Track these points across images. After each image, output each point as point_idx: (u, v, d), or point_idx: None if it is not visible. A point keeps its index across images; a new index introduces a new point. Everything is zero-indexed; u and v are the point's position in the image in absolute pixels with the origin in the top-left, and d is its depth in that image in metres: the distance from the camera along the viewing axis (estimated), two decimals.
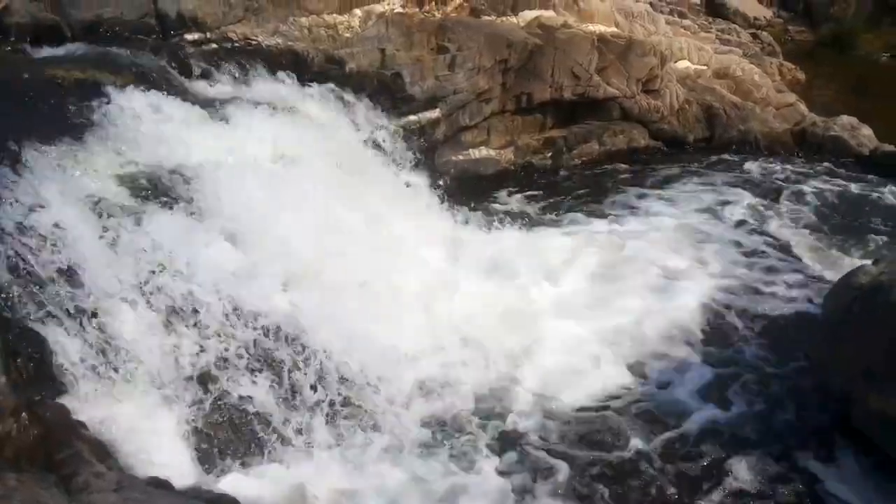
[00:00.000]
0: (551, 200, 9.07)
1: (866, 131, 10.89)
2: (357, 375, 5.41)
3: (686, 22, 14.14)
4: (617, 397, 5.77)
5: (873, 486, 4.89)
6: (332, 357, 5.35)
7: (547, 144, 10.07)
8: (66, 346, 4.17)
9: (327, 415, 5.16)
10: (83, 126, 5.32)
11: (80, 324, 4.30)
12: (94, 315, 4.38)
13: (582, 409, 5.64)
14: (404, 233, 6.86)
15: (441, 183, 8.16)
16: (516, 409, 5.59)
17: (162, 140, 5.52)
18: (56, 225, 4.48)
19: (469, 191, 8.81)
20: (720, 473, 5.07)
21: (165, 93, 6.10)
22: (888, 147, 10.37)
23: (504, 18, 9.89)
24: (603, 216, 8.68)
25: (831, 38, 18.33)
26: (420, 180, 7.92)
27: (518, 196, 9.15)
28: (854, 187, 9.64)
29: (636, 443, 5.31)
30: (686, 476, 5.05)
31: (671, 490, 4.91)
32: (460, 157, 9.29)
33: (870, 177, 9.91)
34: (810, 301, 6.88)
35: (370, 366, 5.51)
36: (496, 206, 8.85)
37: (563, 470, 5.06)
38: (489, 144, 9.60)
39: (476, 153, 9.43)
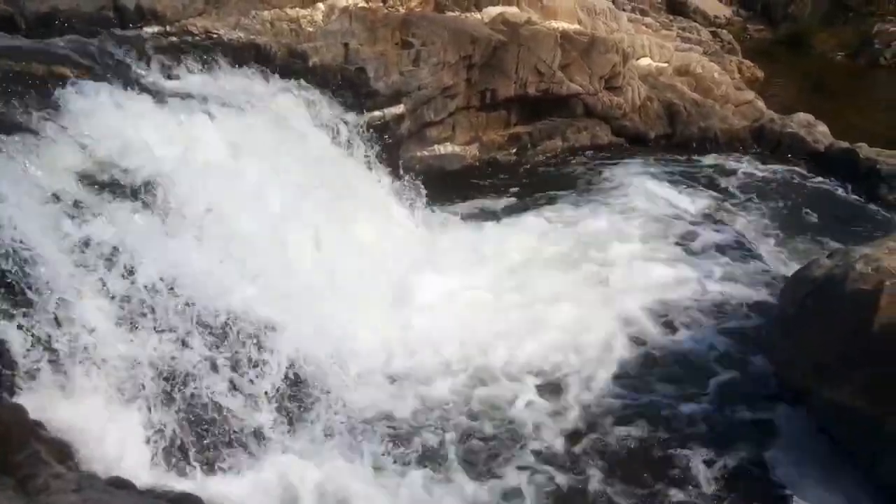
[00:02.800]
0: (516, 196, 9.11)
1: (822, 128, 11.14)
2: (320, 373, 5.40)
3: (648, 20, 14.29)
4: (570, 391, 5.85)
5: (829, 474, 5.02)
6: (296, 356, 5.33)
7: (512, 140, 10.13)
8: (22, 344, 4.09)
9: (291, 413, 5.14)
10: (39, 120, 5.19)
11: (38, 321, 4.21)
12: (52, 312, 4.29)
13: (533, 399, 5.72)
14: (367, 228, 6.85)
15: (406, 179, 8.15)
16: (478, 409, 5.65)
17: (119, 135, 5.41)
18: (12, 220, 4.37)
19: (434, 186, 8.80)
20: (677, 465, 5.17)
21: (123, 86, 5.98)
22: (843, 144, 10.62)
23: (468, 14, 9.89)
24: (566, 211, 8.75)
25: (789, 37, 18.69)
26: (384, 176, 7.90)
27: (483, 192, 9.17)
28: (809, 183, 9.89)
29: (591, 437, 5.40)
30: (642, 471, 5.14)
31: (622, 484, 4.99)
32: (425, 153, 9.29)
33: (825, 172, 10.16)
34: (766, 294, 7.03)
35: (334, 364, 5.51)
36: (461, 201, 8.86)
37: (516, 465, 5.15)
38: (454, 140, 9.62)
39: (441, 149, 9.44)
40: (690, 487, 5.01)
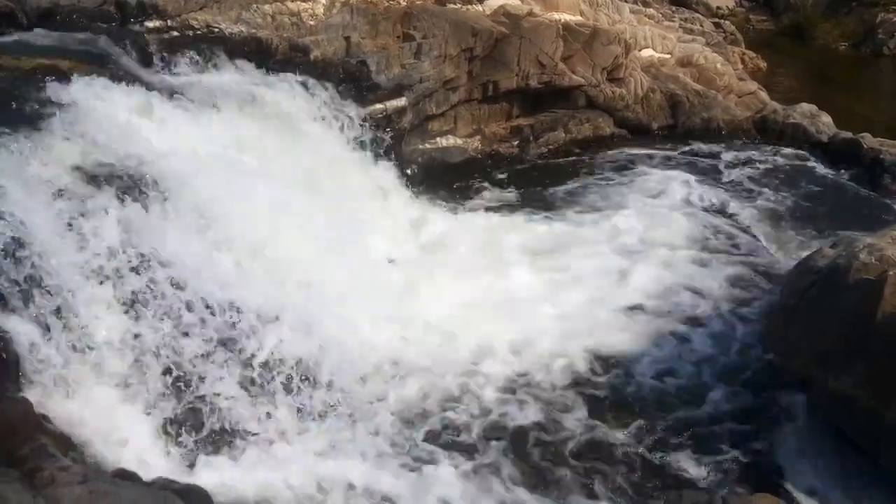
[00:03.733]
0: (519, 188, 9.10)
1: (825, 118, 11.10)
2: (327, 365, 5.41)
3: (650, 11, 14.24)
4: (574, 380, 5.87)
5: (831, 462, 5.02)
6: (300, 347, 5.34)
7: (514, 133, 10.11)
8: (27, 337, 4.11)
9: (297, 405, 5.16)
10: (41, 114, 5.21)
11: (42, 315, 4.23)
12: (57, 306, 4.31)
13: (541, 391, 5.73)
14: (371, 222, 6.86)
15: (408, 172, 8.16)
16: (480, 396, 5.67)
17: (121, 129, 5.43)
18: (14, 214, 4.39)
19: (436, 179, 8.81)
20: (680, 453, 5.18)
21: (125, 81, 5.99)
22: (846, 134, 10.59)
23: (469, 6, 9.88)
24: (569, 203, 8.75)
25: (792, 28, 18.65)
26: (387, 169, 7.90)
27: (486, 184, 9.17)
28: (813, 172, 9.86)
29: (594, 424, 5.42)
30: (645, 457, 5.15)
31: (630, 472, 5.01)
32: (427, 146, 9.29)
33: (828, 162, 10.14)
34: (769, 283, 7.03)
35: (339, 356, 5.52)
36: (464, 194, 8.86)
37: (523, 451, 5.17)
38: (456, 133, 9.61)
39: (443, 142, 9.44)
40: (691, 473, 5.02)
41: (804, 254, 6.68)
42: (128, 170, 5.25)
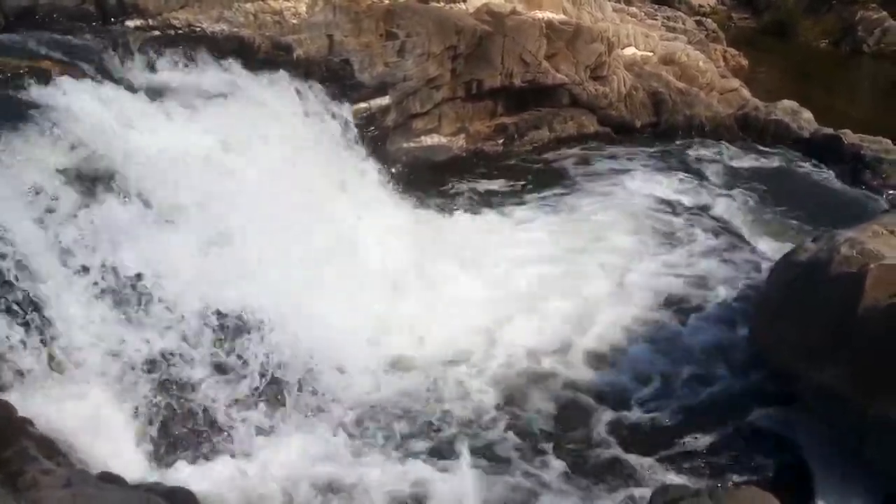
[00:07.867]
0: (504, 187, 9.11)
1: (807, 115, 11.21)
2: (314, 363, 5.40)
3: (632, 9, 14.30)
4: (566, 375, 5.88)
5: (815, 455, 5.07)
6: (286, 346, 5.32)
7: (498, 131, 10.12)
8: (9, 339, 4.07)
9: (282, 404, 5.14)
10: (21, 116, 5.14)
11: (24, 317, 4.19)
12: (38, 308, 4.27)
13: (537, 387, 5.76)
14: (358, 221, 6.84)
15: (393, 170, 8.15)
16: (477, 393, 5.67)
17: (103, 130, 5.36)
18: None
19: (421, 178, 8.81)
20: (668, 447, 5.20)
21: (106, 81, 5.93)
22: (827, 130, 10.70)
23: (452, 4, 9.87)
24: (554, 202, 8.77)
25: (773, 25, 18.84)
26: (372, 168, 7.88)
27: (470, 183, 9.17)
28: (795, 168, 9.98)
29: (588, 419, 5.45)
30: (636, 451, 5.17)
31: (614, 465, 5.04)
32: (412, 145, 9.28)
33: (810, 158, 10.25)
34: (753, 278, 7.08)
35: (327, 353, 5.50)
36: (449, 193, 8.85)
37: (521, 446, 5.18)
38: (440, 131, 9.61)
39: (427, 140, 9.43)
40: (677, 467, 5.04)
41: (787, 249, 6.72)
42: (112, 171, 5.20)
